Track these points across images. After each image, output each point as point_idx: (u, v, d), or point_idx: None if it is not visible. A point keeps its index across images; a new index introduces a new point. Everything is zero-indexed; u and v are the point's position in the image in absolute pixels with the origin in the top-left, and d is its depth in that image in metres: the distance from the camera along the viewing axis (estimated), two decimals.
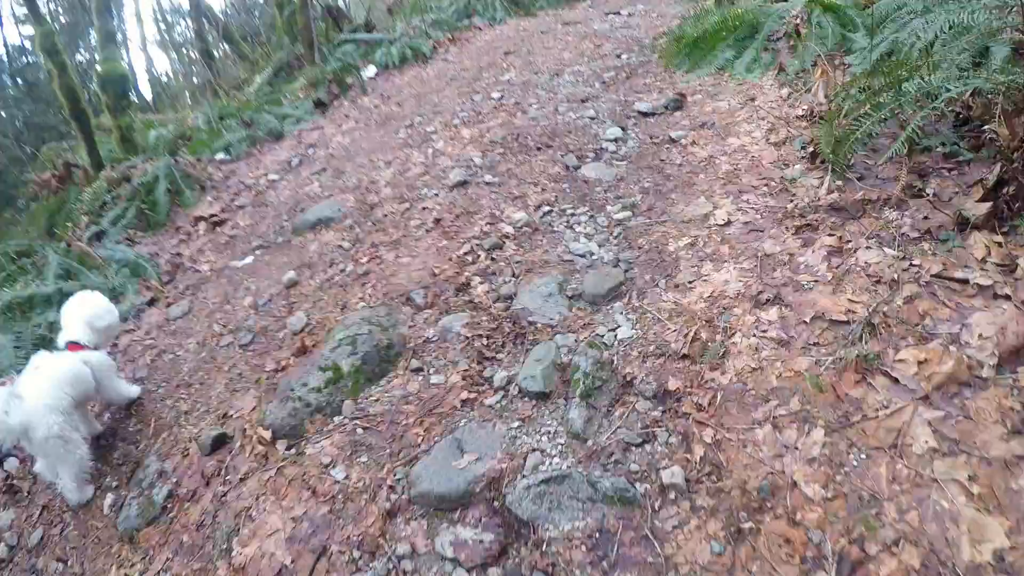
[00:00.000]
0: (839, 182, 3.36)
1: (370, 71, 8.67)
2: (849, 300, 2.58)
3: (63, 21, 22.05)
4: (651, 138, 4.67)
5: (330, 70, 8.28)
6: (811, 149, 3.76)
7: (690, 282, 3.00)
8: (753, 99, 4.80)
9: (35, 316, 4.60)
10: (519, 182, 4.25)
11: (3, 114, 18.28)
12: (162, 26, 30.44)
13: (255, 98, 8.99)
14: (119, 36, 33.00)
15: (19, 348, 4.14)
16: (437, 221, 3.95)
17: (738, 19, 5.69)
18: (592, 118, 5.15)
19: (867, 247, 2.82)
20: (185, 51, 23.08)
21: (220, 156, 7.01)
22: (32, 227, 8.37)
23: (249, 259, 4.64)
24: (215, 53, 12.78)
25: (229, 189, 6.02)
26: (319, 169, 5.65)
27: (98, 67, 7.66)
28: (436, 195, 4.35)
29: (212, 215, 5.50)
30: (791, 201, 3.39)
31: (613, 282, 3.08)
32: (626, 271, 3.19)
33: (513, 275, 3.30)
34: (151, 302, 4.61)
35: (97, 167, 7.53)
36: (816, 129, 3.97)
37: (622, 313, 2.92)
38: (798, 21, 5.37)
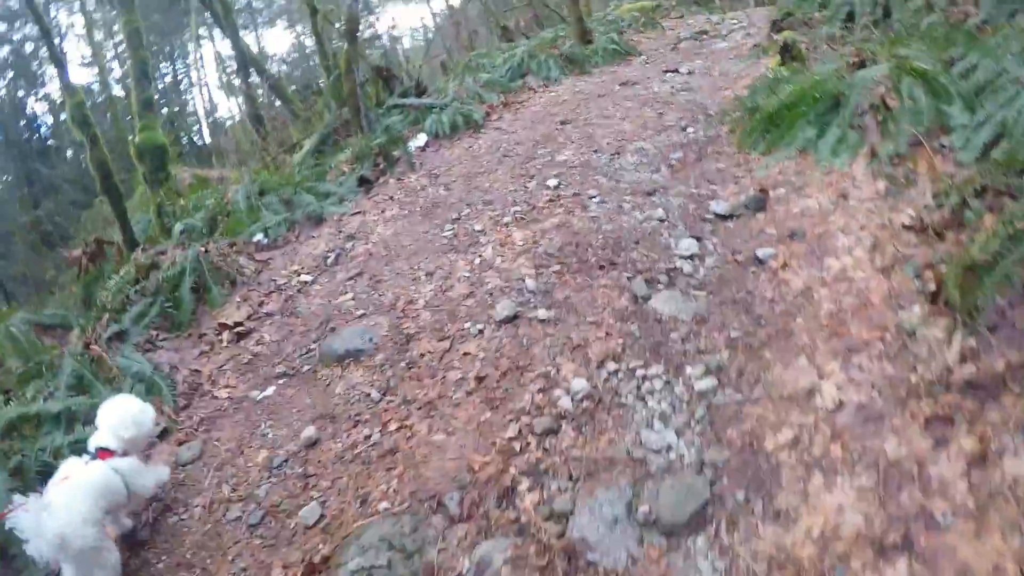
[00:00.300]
0: (972, 339, 2.65)
1: (420, 140, 8.18)
2: (995, 549, 1.89)
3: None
4: (733, 254, 4.00)
5: (376, 143, 7.80)
6: (930, 284, 3.05)
7: (795, 507, 2.31)
8: (845, 195, 4.11)
9: (41, 437, 4.13)
10: (578, 320, 3.60)
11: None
12: (221, 72, 30.96)
13: (299, 169, 8.57)
14: (185, 80, 33.92)
15: (14, 490, 3.65)
16: (480, 380, 3.33)
17: (817, 88, 5.00)
18: (661, 220, 4.51)
19: (1014, 452, 2.12)
20: (240, 102, 23.31)
21: (258, 238, 6.56)
22: (68, 300, 8.10)
23: (270, 390, 4.09)
24: (263, 115, 12.52)
25: (260, 287, 5.52)
26: (355, 273, 5.11)
27: (135, 137, 7.32)
28: (481, 332, 3.73)
29: (237, 324, 5.00)
30: (914, 369, 2.68)
31: (696, 502, 2.39)
32: (712, 483, 2.49)
33: (570, 478, 2.64)
34: (163, 434, 4.10)
35: (131, 245, 7.19)
36: (930, 249, 3.28)
37: (707, 556, 2.24)
38: (884, 90, 4.68)
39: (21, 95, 26.51)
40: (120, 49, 25.35)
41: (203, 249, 6.04)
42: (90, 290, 7.59)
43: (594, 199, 4.90)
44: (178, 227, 6.75)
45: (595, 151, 5.96)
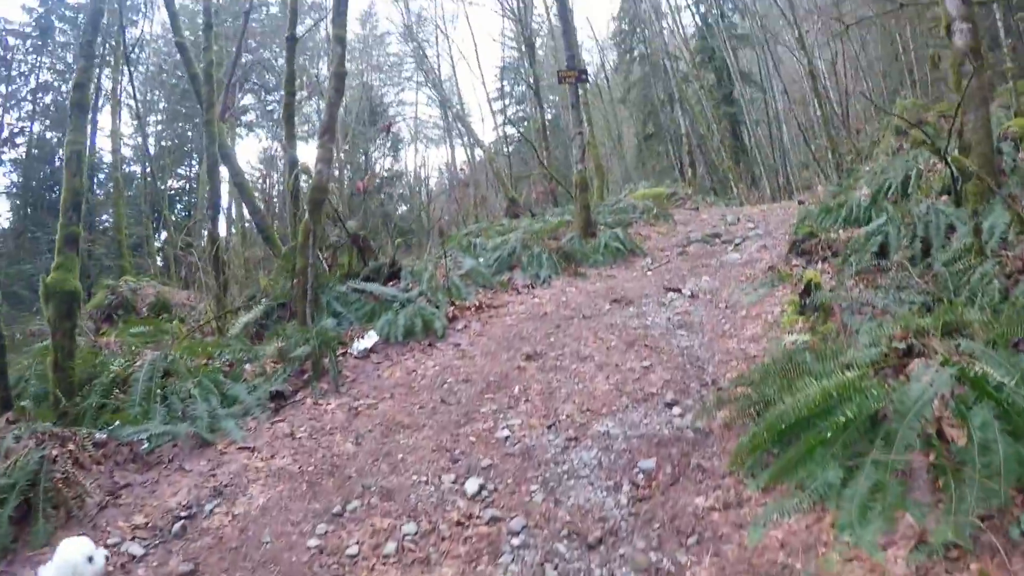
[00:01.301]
0: None
1: (368, 340, 6.80)
2: None
3: None
4: None
5: (312, 344, 6.40)
6: None
7: None
8: None
9: None
10: None
11: None
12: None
13: (228, 348, 7.15)
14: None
15: None
16: None
17: (848, 395, 3.51)
18: None
19: None
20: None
21: (145, 443, 5.02)
22: None
23: None
24: (226, 259, 11.29)
25: (97, 529, 3.94)
26: (187, 572, 3.51)
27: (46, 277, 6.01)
28: None
29: None
30: None
31: None
32: None
33: None
34: None
35: (3, 405, 5.69)
36: None
37: None
38: (943, 414, 3.20)
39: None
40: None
41: (53, 454, 4.49)
42: None
43: (515, 539, 3.33)
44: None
45: (549, 425, 4.47)
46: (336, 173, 32.67)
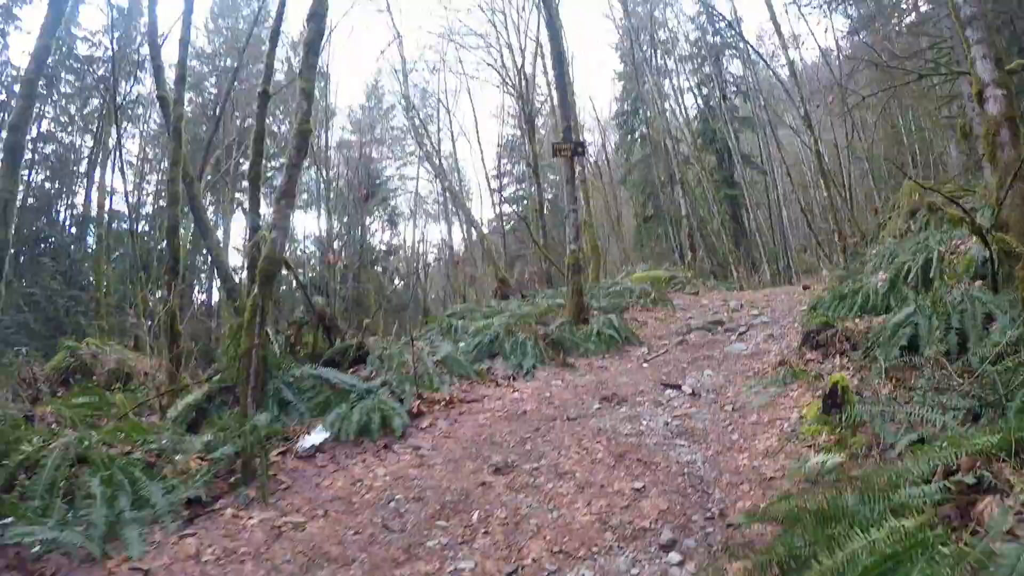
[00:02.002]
0: None
1: (315, 437, 5.80)
2: None
3: None
4: None
5: (241, 442, 5.40)
6: None
7: None
8: None
9: None
10: None
11: None
12: None
13: (156, 439, 6.11)
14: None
15: None
16: None
17: (907, 554, 2.53)
18: None
19: None
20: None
21: (36, 547, 3.97)
22: None
23: None
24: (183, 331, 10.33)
25: None
26: None
27: None
28: None
29: None
30: None
31: None
32: None
33: None
34: None
35: None
36: None
37: None
38: None
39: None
40: None
41: None
42: None
43: None
44: None
45: (510, 573, 3.45)
46: (336, 245, 32.31)
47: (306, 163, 31.75)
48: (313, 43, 7.19)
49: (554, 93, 13.36)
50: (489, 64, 22.29)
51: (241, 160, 30.12)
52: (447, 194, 21.97)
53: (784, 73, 20.30)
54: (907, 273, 8.00)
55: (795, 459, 4.38)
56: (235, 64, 28.76)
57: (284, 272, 8.55)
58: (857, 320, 7.48)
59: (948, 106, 16.27)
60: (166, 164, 29.96)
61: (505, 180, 36.28)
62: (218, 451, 5.34)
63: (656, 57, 27.19)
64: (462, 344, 8.67)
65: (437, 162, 25.07)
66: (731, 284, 18.35)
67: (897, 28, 17.60)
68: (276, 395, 6.61)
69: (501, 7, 22.05)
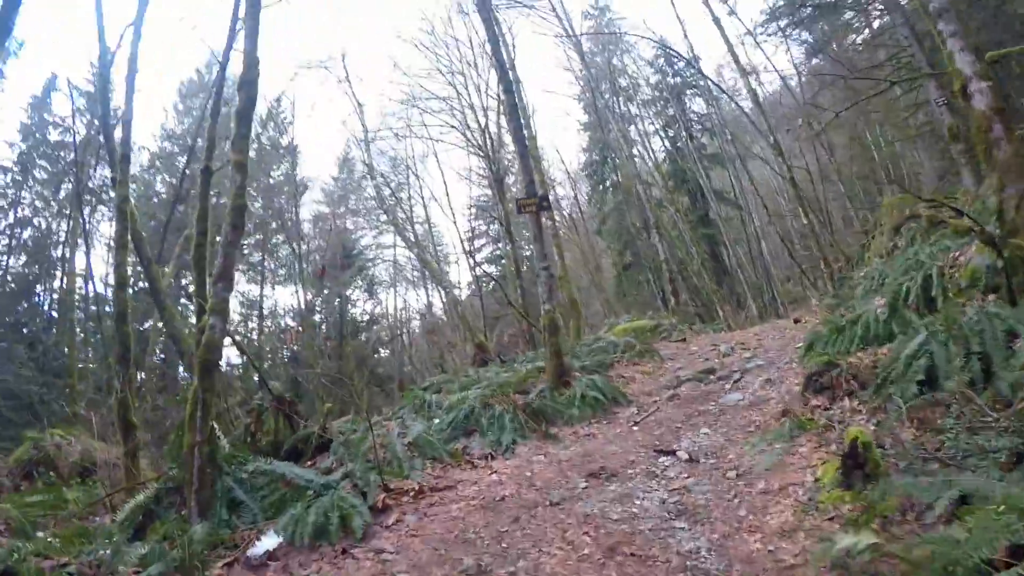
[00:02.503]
0: None
1: (268, 542, 5.03)
2: None
3: None
4: None
5: (173, 557, 4.61)
6: None
7: None
8: None
9: None
10: None
11: None
12: None
13: (95, 547, 5.26)
14: None
15: None
16: None
17: None
18: None
19: None
20: None
21: None
22: None
23: None
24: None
25: None
26: None
27: None
28: None
29: None
30: None
31: None
32: None
33: None
34: None
35: None
36: None
37: None
38: None
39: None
40: None
41: None
42: None
43: None
44: None
45: None
46: (317, 318, 31.50)
47: (280, 238, 31.22)
48: (244, 113, 6.61)
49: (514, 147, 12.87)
50: (453, 126, 21.91)
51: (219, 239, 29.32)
52: (417, 261, 21.38)
53: (748, 104, 20.08)
54: (906, 295, 7.43)
55: (818, 539, 3.65)
56: (201, 143, 28.51)
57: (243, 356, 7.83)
58: (860, 354, 6.86)
59: (915, 116, 15.99)
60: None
61: (481, 241, 35.78)
62: (152, 566, 4.56)
63: (619, 104, 27.02)
64: (437, 421, 7.93)
65: (408, 230, 24.63)
66: (718, 325, 17.72)
67: (853, 46, 17.45)
68: (226, 495, 5.82)
69: (460, 68, 21.73)
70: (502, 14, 18.45)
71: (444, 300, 23.31)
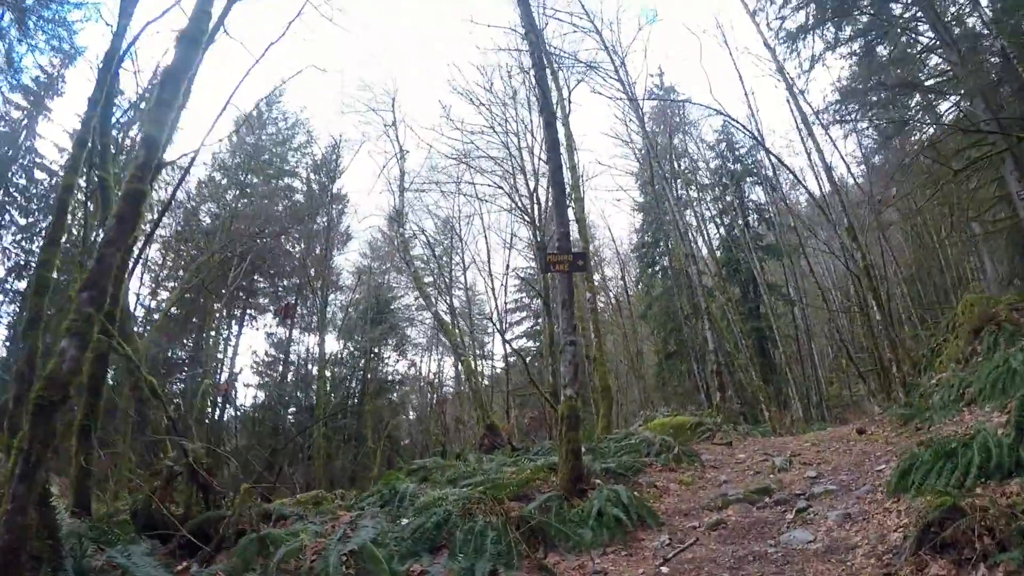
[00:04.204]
0: None
1: None
2: None
3: None
4: None
5: None
6: None
7: None
8: None
9: None
10: None
11: None
12: None
13: None
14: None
15: None
16: None
17: None
18: None
19: None
20: None
21: None
22: None
23: None
24: None
25: None
26: None
27: None
28: None
29: None
30: None
31: None
32: None
33: None
34: None
35: None
36: None
37: None
38: None
39: None
40: None
41: None
42: None
43: None
44: None
45: None
46: (340, 372, 29.73)
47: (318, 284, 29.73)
48: (174, 72, 4.87)
49: (550, 191, 10.95)
50: (500, 187, 20.28)
51: (257, 278, 28.40)
52: (440, 327, 19.41)
53: (815, 187, 18.14)
54: None
55: None
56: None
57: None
58: (981, 489, 4.74)
59: (992, 210, 13.92)
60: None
61: (523, 314, 33.94)
62: None
63: (676, 187, 25.28)
64: (405, 521, 5.91)
65: (448, 298, 23.02)
66: (765, 428, 15.29)
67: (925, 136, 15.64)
68: None
69: (515, 128, 20.18)
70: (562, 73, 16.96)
71: (460, 368, 21.26)
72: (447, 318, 19.34)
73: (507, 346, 22.13)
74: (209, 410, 28.42)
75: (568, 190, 16.24)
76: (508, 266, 27.08)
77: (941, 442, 5.97)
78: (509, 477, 6.94)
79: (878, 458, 7.87)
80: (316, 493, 8.90)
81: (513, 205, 20.33)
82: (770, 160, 21.17)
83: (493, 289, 24.83)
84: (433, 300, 20.88)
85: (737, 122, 15.58)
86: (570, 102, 16.99)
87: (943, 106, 14.96)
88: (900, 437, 9.08)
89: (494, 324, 22.02)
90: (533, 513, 5.73)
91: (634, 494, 6.54)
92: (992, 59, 12.10)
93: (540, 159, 19.16)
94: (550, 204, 20.21)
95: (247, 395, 32.34)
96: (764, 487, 7.28)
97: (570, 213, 18.23)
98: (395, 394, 30.83)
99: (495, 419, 12.31)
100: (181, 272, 27.09)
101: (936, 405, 9.50)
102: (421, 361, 34.04)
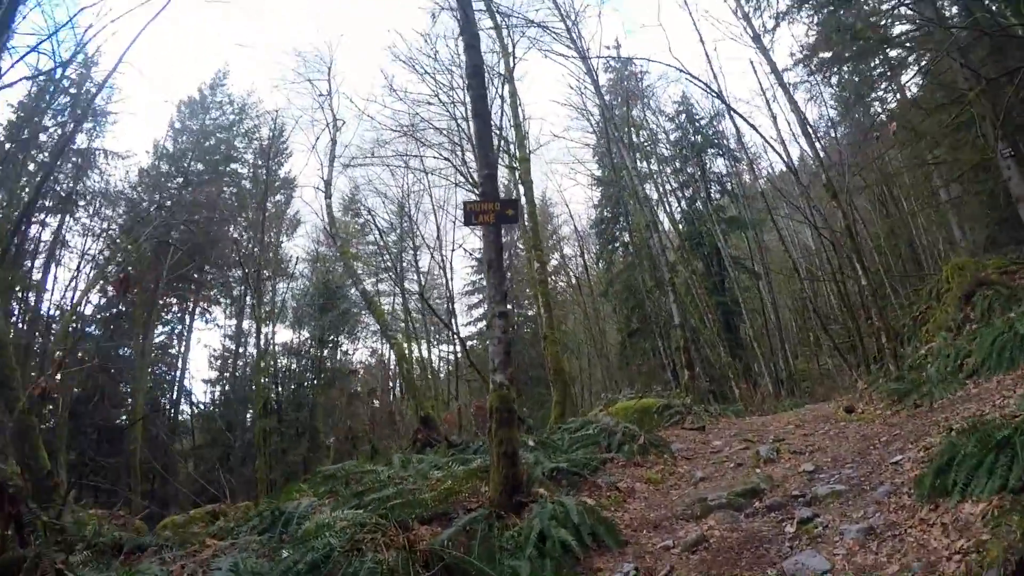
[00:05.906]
0: None
1: None
2: None
3: None
4: None
5: None
6: None
7: None
8: None
9: None
10: None
11: None
12: None
13: None
14: None
15: None
16: None
17: None
18: None
19: None
20: None
21: None
22: None
23: None
24: None
25: None
26: None
27: None
28: None
29: None
30: None
31: None
32: None
33: None
34: None
35: None
36: None
37: None
38: None
39: None
40: None
41: None
42: None
43: None
44: None
45: None
46: (291, 364, 27.93)
47: (267, 273, 27.81)
48: None
49: (471, 123, 9.19)
50: (448, 159, 18.39)
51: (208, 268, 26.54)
52: (368, 305, 17.59)
53: (783, 151, 16.70)
54: None
55: None
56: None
57: None
58: None
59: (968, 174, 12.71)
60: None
61: (481, 296, 32.17)
62: None
63: (636, 159, 23.64)
64: (284, 554, 4.24)
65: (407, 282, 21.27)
66: (737, 407, 13.77)
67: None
68: None
69: (461, 97, 18.29)
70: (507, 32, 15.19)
71: (392, 350, 19.47)
72: (359, 288, 17.43)
73: (449, 326, 20.39)
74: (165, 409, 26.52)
75: (513, 150, 14.53)
76: (454, 243, 25.22)
77: (986, 429, 4.44)
78: (432, 486, 5.28)
79: (886, 444, 6.36)
80: (214, 507, 7.19)
81: (461, 178, 18.46)
82: (735, 124, 19.69)
83: (444, 270, 23.02)
84: (361, 278, 19.10)
85: (699, 80, 13.99)
86: (515, 57, 15.23)
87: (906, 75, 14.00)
88: (900, 416, 7.63)
89: (429, 307, 20.11)
90: (446, 543, 4.06)
91: (589, 504, 4.92)
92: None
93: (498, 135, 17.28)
94: (512, 190, 18.60)
95: (205, 392, 30.34)
96: (751, 487, 5.73)
97: (512, 175, 16.43)
98: (357, 385, 29.05)
99: (433, 410, 10.60)
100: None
101: (933, 378, 8.35)
102: (382, 348, 32.34)
